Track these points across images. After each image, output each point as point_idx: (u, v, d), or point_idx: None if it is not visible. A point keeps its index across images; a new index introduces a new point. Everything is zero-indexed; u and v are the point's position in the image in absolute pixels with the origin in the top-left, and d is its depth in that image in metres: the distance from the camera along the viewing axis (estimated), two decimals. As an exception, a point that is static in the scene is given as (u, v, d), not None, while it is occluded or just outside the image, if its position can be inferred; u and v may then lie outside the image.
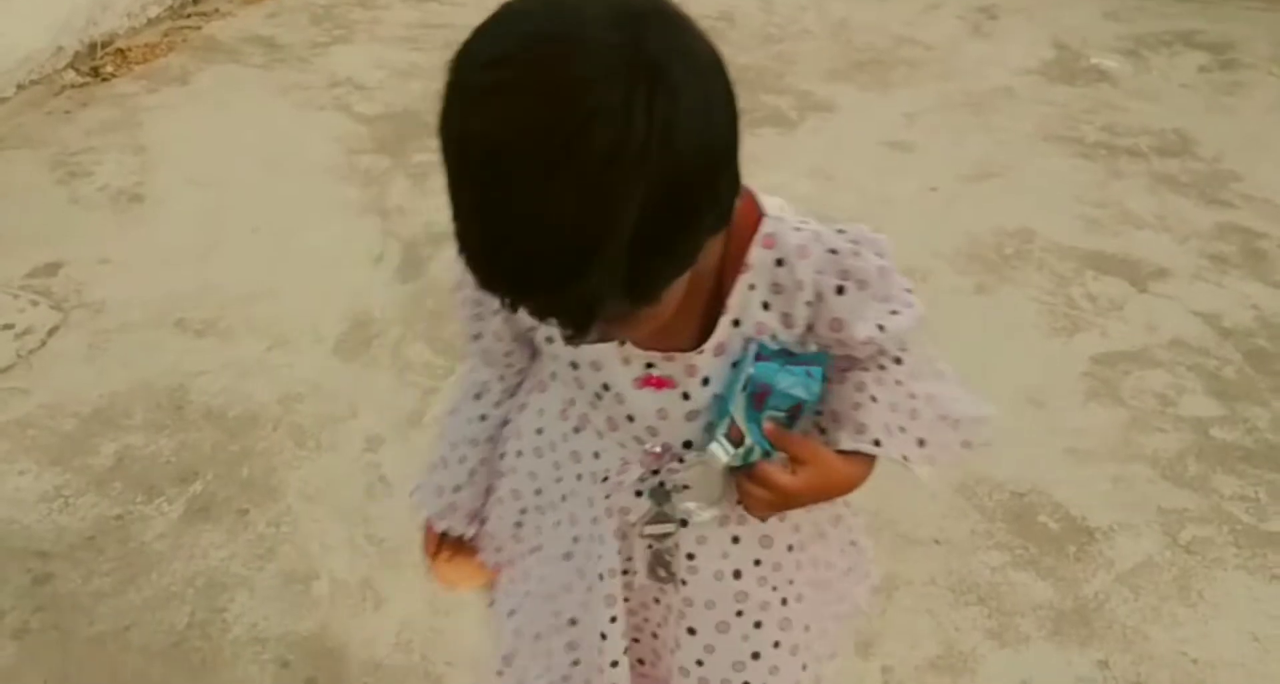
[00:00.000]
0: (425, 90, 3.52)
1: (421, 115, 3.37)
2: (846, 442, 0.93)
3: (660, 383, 0.92)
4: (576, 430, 1.01)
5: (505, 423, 1.12)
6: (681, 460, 0.96)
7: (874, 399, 0.94)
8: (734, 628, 1.04)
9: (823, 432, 0.97)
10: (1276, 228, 2.94)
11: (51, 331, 2.43)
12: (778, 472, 0.90)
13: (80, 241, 2.74)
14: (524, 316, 0.93)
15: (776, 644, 1.05)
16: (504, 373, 1.09)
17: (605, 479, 0.99)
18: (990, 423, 1.02)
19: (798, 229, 0.88)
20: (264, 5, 4.17)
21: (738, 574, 1.02)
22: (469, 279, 0.92)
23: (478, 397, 1.11)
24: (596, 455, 1.00)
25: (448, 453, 1.14)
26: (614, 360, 0.92)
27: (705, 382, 0.91)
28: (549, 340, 0.96)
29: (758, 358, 0.89)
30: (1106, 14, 4.32)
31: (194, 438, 2.15)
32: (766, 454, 0.91)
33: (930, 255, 2.79)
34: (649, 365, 0.91)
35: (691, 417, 0.93)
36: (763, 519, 0.98)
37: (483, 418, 1.11)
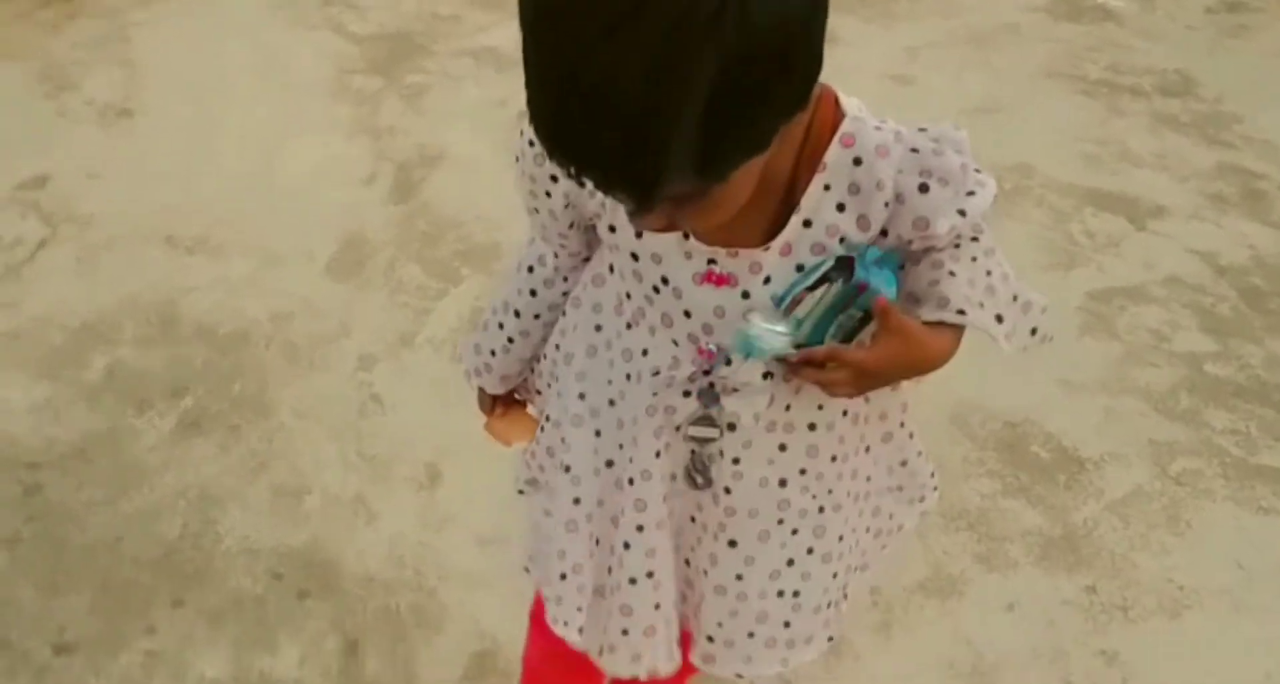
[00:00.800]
0: (419, 10, 3.45)
1: (414, 36, 3.30)
2: (930, 313, 0.90)
3: (721, 279, 0.89)
4: (630, 326, 0.99)
5: (554, 306, 1.10)
6: (730, 362, 0.93)
7: (953, 274, 0.91)
8: (773, 536, 1.03)
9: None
10: (1276, 169, 2.93)
11: (40, 244, 2.39)
12: (846, 349, 0.88)
13: (68, 155, 2.69)
14: (585, 201, 0.93)
15: (810, 550, 1.05)
16: (559, 251, 1.05)
17: (655, 374, 0.97)
18: (1051, 315, 1.01)
19: (878, 128, 0.86)
20: (254, -79, 4.06)
21: (783, 483, 1.01)
22: (528, 152, 0.93)
23: (531, 270, 1.09)
24: (646, 352, 0.98)
25: (490, 317, 1.15)
26: (676, 253, 0.89)
27: (767, 280, 0.89)
28: (611, 229, 0.93)
29: (839, 265, 0.86)
30: (1114, -49, 4.25)
31: (185, 353, 2.13)
32: (819, 341, 0.88)
33: (929, 189, 2.76)
34: (711, 261, 0.89)
35: (748, 319, 0.90)
36: (850, 397, 0.94)
37: (532, 293, 1.10)
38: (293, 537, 1.80)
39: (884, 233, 0.88)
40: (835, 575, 1.09)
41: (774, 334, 0.87)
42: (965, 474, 1.98)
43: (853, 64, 3.37)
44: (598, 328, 1.04)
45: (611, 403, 1.03)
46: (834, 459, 1.02)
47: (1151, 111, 3.19)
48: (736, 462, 1.00)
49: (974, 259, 0.93)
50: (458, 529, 1.82)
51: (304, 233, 2.49)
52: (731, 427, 0.97)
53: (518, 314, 1.12)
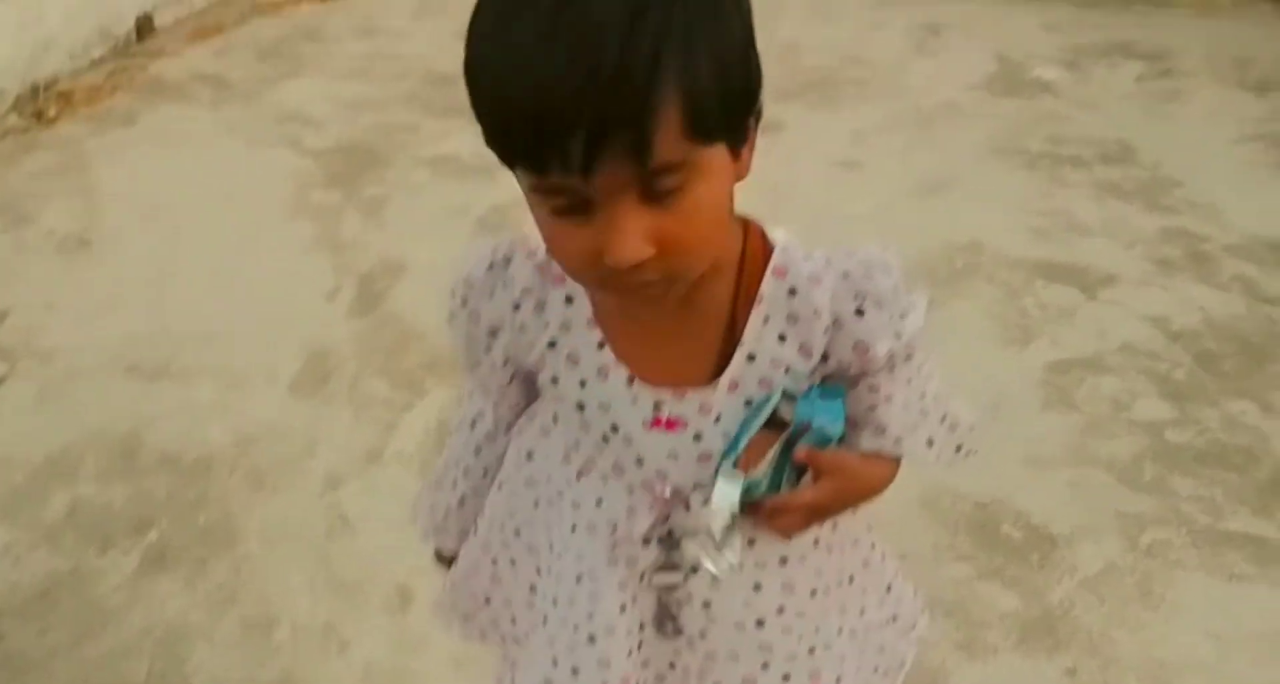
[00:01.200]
0: (375, 122, 3.52)
1: (372, 147, 3.36)
2: (868, 443, 0.92)
3: (671, 423, 0.89)
4: (580, 475, 0.96)
5: (501, 458, 1.08)
6: (688, 507, 0.92)
7: (889, 399, 0.93)
8: (761, 682, 0.99)
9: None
10: (1218, 231, 3.00)
11: (1, 382, 2.38)
12: (793, 495, 0.89)
13: (27, 289, 2.70)
14: (525, 355, 0.93)
15: None
16: (498, 404, 1.04)
17: (614, 529, 0.94)
18: (980, 431, 1.03)
19: (807, 258, 0.88)
20: (211, 42, 4.15)
21: (760, 623, 0.97)
22: (459, 312, 0.94)
23: (473, 425, 1.08)
24: (600, 503, 0.95)
25: (440, 475, 1.14)
26: (623, 400, 0.89)
27: (717, 420, 0.88)
28: (554, 380, 0.93)
29: (787, 397, 0.87)
30: (1046, 26, 4.41)
31: (148, 485, 2.11)
32: (776, 488, 0.89)
33: (884, 270, 2.81)
34: (658, 406, 0.89)
35: (703, 458, 0.90)
36: (801, 531, 0.94)
37: (476, 450, 1.09)
38: (263, 672, 1.77)
39: (825, 358, 0.89)
40: None
41: (733, 496, 0.87)
42: (938, 560, 1.98)
43: (800, 150, 3.45)
44: (547, 478, 1.01)
45: (556, 551, 1.01)
46: (814, 593, 0.99)
47: (1094, 181, 3.27)
48: (708, 605, 0.96)
49: (909, 381, 0.94)
50: (433, 651, 1.80)
51: (267, 352, 2.49)
52: (695, 569, 0.94)
53: (466, 472, 1.11)
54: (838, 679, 1.03)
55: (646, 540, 0.94)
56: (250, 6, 4.48)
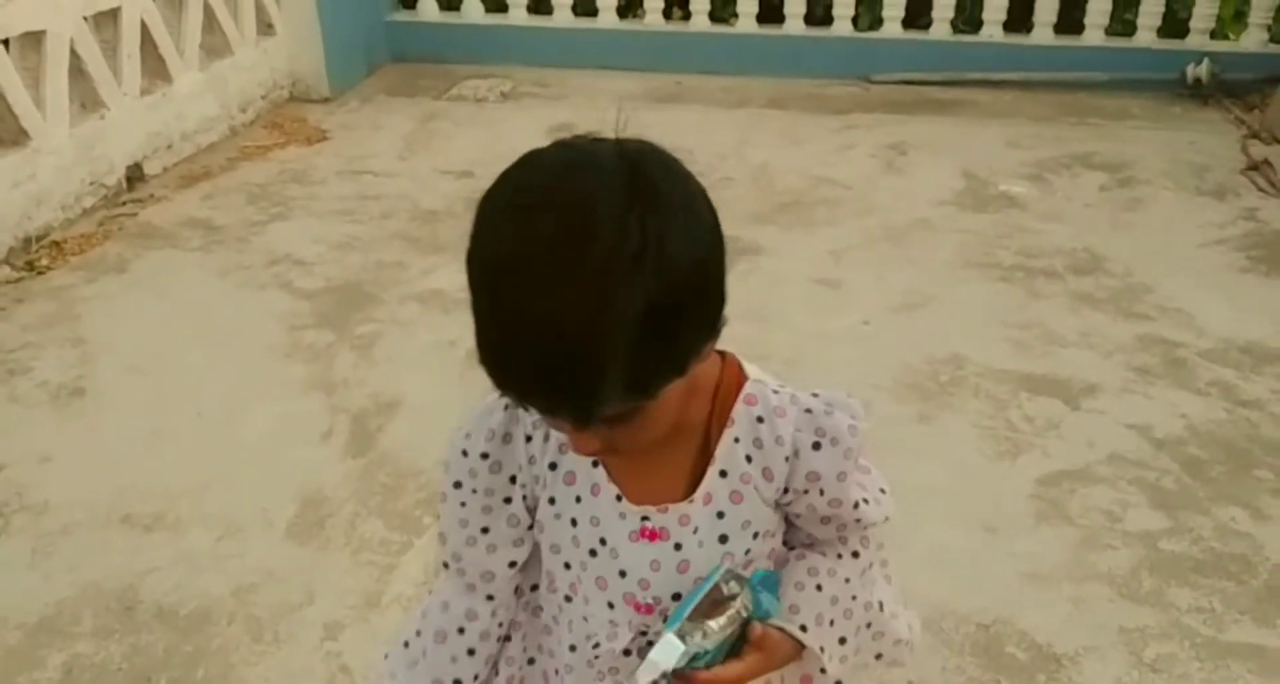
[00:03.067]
0: (364, 262, 3.59)
1: (362, 286, 3.43)
2: (780, 618, 1.00)
3: (654, 534, 0.98)
4: (569, 599, 1.04)
5: (493, 655, 1.09)
6: (665, 613, 0.99)
7: (819, 588, 1.02)
8: None
9: None
10: (1192, 336, 3.08)
11: (-7, 539, 2.37)
12: (726, 668, 0.95)
13: (20, 441, 2.70)
14: (536, 480, 1.00)
15: None
16: (495, 593, 1.06)
17: (595, 645, 1.02)
18: (913, 647, 1.11)
19: (776, 391, 0.98)
20: (199, 188, 4.26)
21: None
22: (480, 466, 1.00)
23: (461, 631, 1.07)
24: (586, 619, 1.03)
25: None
26: (612, 515, 0.98)
27: (695, 531, 0.98)
28: (551, 501, 1.00)
29: (730, 573, 0.96)
30: (1008, 143, 4.59)
31: (146, 641, 2.09)
32: (717, 659, 0.94)
33: (870, 387, 2.86)
34: (645, 518, 0.98)
35: (682, 568, 0.98)
36: None
37: (470, 652, 1.07)
38: None
39: (786, 490, 0.99)
40: None
41: (672, 659, 0.92)
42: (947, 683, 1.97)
43: (781, 271, 3.54)
44: (539, 608, 1.09)
45: (556, 672, 1.08)
46: None
47: (1067, 291, 3.37)
48: None
49: (847, 580, 1.04)
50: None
51: (263, 497, 2.49)
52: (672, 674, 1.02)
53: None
54: None
55: (628, 652, 1.01)
56: (237, 151, 4.61)
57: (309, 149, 4.65)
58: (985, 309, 3.27)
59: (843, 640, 1.04)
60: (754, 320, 3.21)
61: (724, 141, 4.66)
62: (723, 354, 0.99)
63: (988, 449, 2.62)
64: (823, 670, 1.06)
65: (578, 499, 0.99)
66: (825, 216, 3.97)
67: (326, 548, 2.34)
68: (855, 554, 1.05)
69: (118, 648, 2.08)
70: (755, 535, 1.00)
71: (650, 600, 0.99)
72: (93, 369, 3.02)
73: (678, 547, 0.97)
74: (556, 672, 1.09)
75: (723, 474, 0.97)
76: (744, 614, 0.95)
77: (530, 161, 0.83)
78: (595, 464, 0.98)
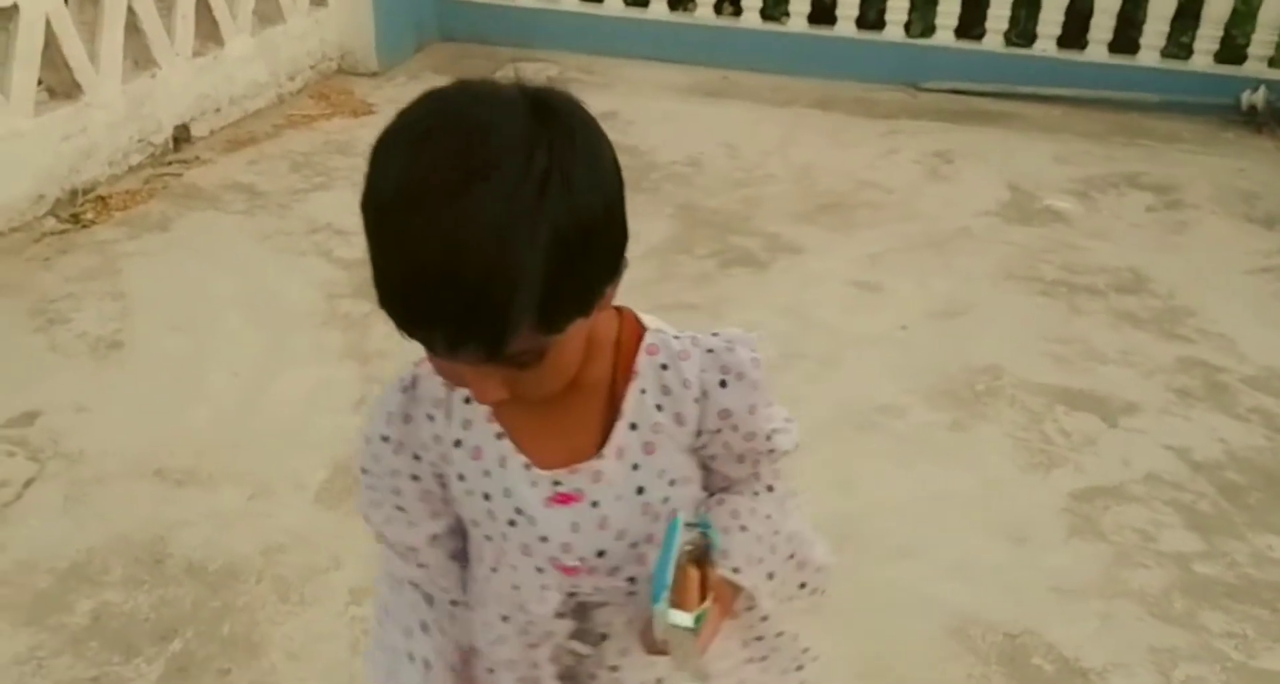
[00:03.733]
0: (404, 235, 3.60)
1: (401, 259, 3.43)
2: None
3: (568, 498, 0.98)
4: (494, 570, 1.05)
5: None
6: (592, 571, 1.01)
7: (743, 528, 1.04)
8: None
9: None
10: (1234, 361, 3.05)
11: (27, 483, 2.38)
12: (708, 626, 0.96)
13: (58, 390, 2.72)
14: (443, 459, 1.00)
15: None
16: (420, 563, 1.07)
17: (523, 608, 1.03)
18: (831, 572, 1.14)
19: (677, 337, 0.99)
20: (245, 152, 4.27)
21: (659, 682, 1.08)
22: (383, 450, 1.01)
23: (425, 627, 1.08)
24: (515, 588, 1.03)
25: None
26: (523, 483, 0.98)
27: (611, 486, 0.99)
28: (460, 477, 1.00)
29: (687, 525, 0.96)
30: (1056, 158, 4.55)
31: (174, 593, 2.10)
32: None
33: (904, 392, 2.84)
34: (556, 483, 0.98)
35: (602, 524, 0.99)
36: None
37: (426, 665, 1.08)
38: (284, 792, 1.73)
39: (700, 433, 1.00)
40: None
41: (687, 622, 0.93)
42: (971, 692, 1.95)
43: (820, 272, 3.53)
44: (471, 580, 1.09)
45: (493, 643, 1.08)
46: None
47: (1109, 309, 3.33)
48: (615, 669, 1.06)
49: (768, 516, 1.06)
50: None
51: (294, 461, 2.50)
52: (605, 636, 1.05)
53: (428, 663, 1.08)
54: None
55: (561, 614, 1.03)
56: (284, 119, 4.63)
57: (354, 121, 4.66)
58: (1025, 322, 3.25)
59: (771, 575, 1.07)
60: (791, 318, 3.20)
61: (769, 139, 4.65)
62: (620, 309, 0.99)
63: (1021, 460, 2.60)
64: (750, 609, 1.09)
65: (486, 473, 0.99)
66: (867, 219, 3.95)
67: (355, 515, 2.33)
68: (770, 488, 1.08)
69: (146, 598, 2.09)
70: (672, 483, 1.00)
71: (576, 562, 1.00)
72: (131, 323, 3.04)
73: (594, 504, 0.98)
74: (490, 648, 1.09)
75: (633, 427, 0.97)
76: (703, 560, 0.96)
77: (428, 95, 0.81)
78: (500, 436, 0.98)
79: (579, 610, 1.03)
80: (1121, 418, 2.77)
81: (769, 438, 1.02)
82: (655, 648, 0.97)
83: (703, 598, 0.94)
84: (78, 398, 2.69)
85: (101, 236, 3.54)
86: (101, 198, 3.79)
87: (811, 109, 5.09)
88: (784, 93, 5.26)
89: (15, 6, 3.39)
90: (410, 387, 1.00)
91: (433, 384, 0.98)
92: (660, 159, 4.31)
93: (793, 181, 4.26)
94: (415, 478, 1.02)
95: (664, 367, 0.97)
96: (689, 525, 0.95)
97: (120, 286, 3.24)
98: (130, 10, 3.89)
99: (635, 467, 0.98)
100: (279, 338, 3.00)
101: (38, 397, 2.68)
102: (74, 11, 3.70)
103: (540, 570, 1.01)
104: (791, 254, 3.63)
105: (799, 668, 1.21)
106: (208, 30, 4.36)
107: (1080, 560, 2.28)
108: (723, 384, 0.97)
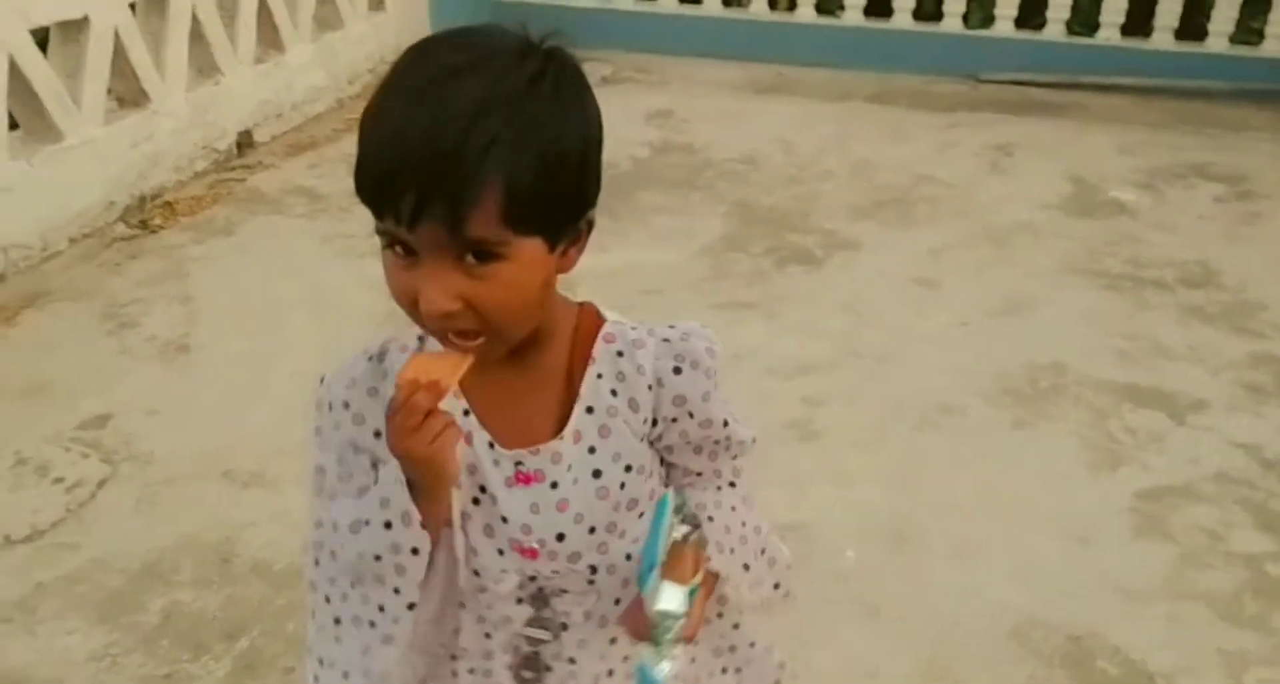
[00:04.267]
0: (461, 236, 3.64)
1: (458, 261, 3.47)
2: None
3: (529, 478, 0.99)
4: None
5: None
6: (553, 556, 1.01)
7: (711, 519, 1.06)
8: None
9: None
10: (1309, 357, 2.96)
11: (101, 484, 2.46)
12: (695, 609, 0.98)
13: (129, 392, 2.80)
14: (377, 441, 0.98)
15: None
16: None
17: (485, 592, 1.03)
18: (793, 573, 1.15)
19: (634, 328, 1.02)
20: (305, 156, 4.36)
21: (611, 673, 1.08)
22: (345, 409, 1.01)
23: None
24: (476, 573, 1.03)
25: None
26: (487, 462, 0.99)
27: (569, 468, 0.99)
28: None
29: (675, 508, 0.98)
30: (1120, 148, 4.45)
31: (241, 593, 2.15)
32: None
33: (966, 391, 2.81)
34: (518, 463, 0.99)
35: (561, 506, 1.00)
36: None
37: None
38: (349, 788, 1.76)
39: (656, 422, 1.01)
40: None
41: (678, 599, 0.95)
42: (1034, 695, 1.92)
43: (878, 268, 3.50)
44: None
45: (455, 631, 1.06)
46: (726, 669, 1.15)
47: (1177, 303, 3.26)
48: (573, 661, 1.06)
49: (733, 508, 1.09)
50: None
51: (355, 461, 2.54)
52: (564, 626, 1.05)
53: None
54: None
55: (519, 600, 1.03)
56: (343, 123, 4.70)
57: (412, 124, 4.72)
58: (1089, 317, 3.18)
59: (746, 567, 1.09)
60: (849, 315, 3.17)
61: (825, 134, 4.61)
62: (581, 303, 1.02)
63: (1086, 459, 2.55)
64: (722, 608, 1.12)
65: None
66: (925, 215, 3.90)
67: (415, 514, 2.37)
68: (733, 484, 1.10)
69: (214, 597, 2.14)
70: (628, 469, 1.01)
71: (535, 544, 1.00)
72: (198, 326, 3.11)
73: (554, 485, 0.99)
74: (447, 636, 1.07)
75: (589, 410, 0.99)
76: (699, 545, 0.98)
77: (430, 37, 0.88)
78: (466, 412, 0.98)
79: (537, 597, 1.03)
80: (1189, 415, 2.71)
81: (725, 426, 1.04)
82: (640, 632, 0.98)
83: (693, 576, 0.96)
84: (148, 400, 2.77)
85: (169, 241, 3.63)
86: (168, 203, 3.89)
87: (868, 103, 5.05)
88: (840, 87, 5.22)
89: (86, 19, 3.49)
90: (377, 358, 1.01)
91: (401, 357, 0.99)
92: (715, 156, 4.30)
93: (849, 177, 4.22)
94: (367, 454, 1.01)
95: (620, 354, 1.00)
96: (675, 508, 0.97)
97: (187, 290, 3.32)
98: (195, 19, 3.98)
99: (591, 450, 0.99)
100: (340, 339, 3.02)
101: (110, 399, 2.76)
102: (141, 22, 3.79)
103: (501, 553, 1.01)
104: (848, 251, 3.60)
105: (776, 683, 1.22)
106: (269, 37, 4.45)
107: (1146, 561, 2.23)
108: (677, 371, 1.00)
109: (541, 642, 1.05)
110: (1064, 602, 2.11)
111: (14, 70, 3.26)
